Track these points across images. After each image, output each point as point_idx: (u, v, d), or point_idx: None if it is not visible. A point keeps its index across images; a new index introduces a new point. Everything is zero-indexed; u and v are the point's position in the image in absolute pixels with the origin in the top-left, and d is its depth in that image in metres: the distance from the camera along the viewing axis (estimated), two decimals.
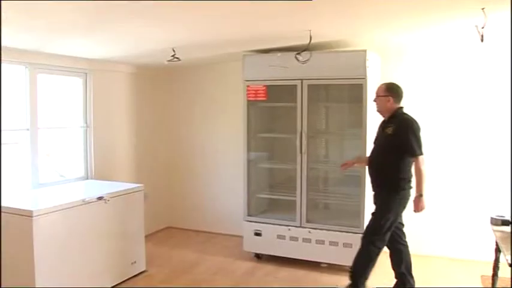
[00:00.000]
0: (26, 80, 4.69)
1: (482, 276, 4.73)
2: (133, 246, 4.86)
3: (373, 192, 4.35)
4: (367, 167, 4.44)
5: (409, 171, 4.12)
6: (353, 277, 4.27)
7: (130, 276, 4.82)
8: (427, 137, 5.29)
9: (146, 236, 5.18)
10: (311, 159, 5.17)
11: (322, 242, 5.01)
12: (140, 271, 4.95)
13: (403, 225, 4.43)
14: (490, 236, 3.81)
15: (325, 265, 5.09)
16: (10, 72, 4.62)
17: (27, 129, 4.73)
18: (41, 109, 4.85)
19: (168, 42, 4.42)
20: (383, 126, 4.27)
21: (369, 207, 4.98)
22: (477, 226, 5.13)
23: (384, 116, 4.30)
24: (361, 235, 4.35)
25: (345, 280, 4.76)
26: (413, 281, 4.39)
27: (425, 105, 5.35)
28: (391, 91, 4.20)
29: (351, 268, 4.32)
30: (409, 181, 4.14)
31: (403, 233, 4.44)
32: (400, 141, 4.07)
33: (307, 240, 5.07)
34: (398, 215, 4.20)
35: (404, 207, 4.18)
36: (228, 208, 6.32)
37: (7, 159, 4.74)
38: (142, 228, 4.99)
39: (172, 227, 6.82)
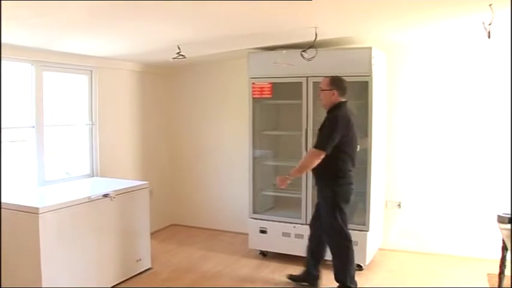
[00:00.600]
0: (32, 77, 4.70)
1: (488, 274, 4.70)
2: (139, 243, 4.86)
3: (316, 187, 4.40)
4: None
5: (344, 167, 4.17)
6: (340, 280, 4.31)
7: (135, 273, 4.83)
8: (433, 135, 5.33)
9: (151, 234, 5.18)
10: None
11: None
12: (145, 268, 4.95)
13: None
14: (497, 233, 3.79)
15: (330, 262, 5.07)
16: (16, 70, 4.63)
17: (33, 127, 4.74)
18: (46, 107, 4.86)
19: (174, 40, 4.41)
20: (324, 120, 4.28)
21: (375, 205, 4.98)
22: (483, 224, 5.12)
23: (323, 107, 4.33)
24: (365, 232, 4.34)
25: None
26: (319, 275, 4.52)
27: (431, 103, 5.35)
28: (335, 85, 4.21)
29: (335, 274, 4.35)
30: (344, 177, 4.18)
31: (317, 229, 4.47)
32: (321, 135, 4.15)
33: None
34: (342, 207, 4.21)
35: (347, 201, 4.22)
36: (233, 205, 6.32)
37: (14, 157, 4.76)
38: (148, 226, 5.00)
39: (177, 225, 6.82)
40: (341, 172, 4.17)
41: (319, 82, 4.37)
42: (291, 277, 4.66)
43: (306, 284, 4.58)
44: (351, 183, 4.26)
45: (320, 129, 4.20)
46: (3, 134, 4.61)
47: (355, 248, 4.65)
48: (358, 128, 4.41)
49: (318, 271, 4.54)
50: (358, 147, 4.48)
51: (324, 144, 4.06)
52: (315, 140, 4.27)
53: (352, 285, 4.29)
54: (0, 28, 3.26)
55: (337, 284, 4.32)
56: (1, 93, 4.24)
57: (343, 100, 4.24)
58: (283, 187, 4.26)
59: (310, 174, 5.00)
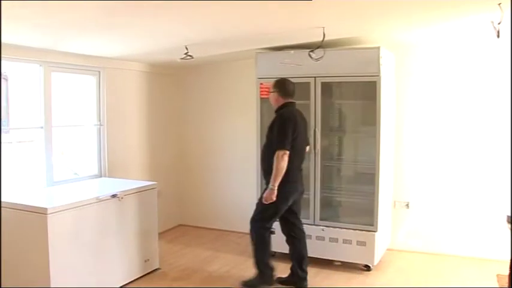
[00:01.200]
0: (40, 78, 4.72)
1: (498, 275, 4.68)
2: (147, 243, 4.87)
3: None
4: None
5: (289, 166, 4.19)
6: (257, 264, 4.49)
7: (143, 273, 4.83)
8: (441, 135, 5.31)
9: (159, 234, 5.19)
10: (324, 156, 5.16)
11: (335, 240, 4.99)
12: (153, 269, 4.96)
13: (297, 217, 4.60)
14: (506, 234, 3.77)
15: (338, 263, 5.07)
16: (25, 71, 4.65)
17: (42, 128, 4.76)
18: (55, 107, 4.87)
19: (181, 40, 4.42)
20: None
21: (383, 205, 4.97)
22: (492, 224, 5.10)
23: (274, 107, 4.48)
24: (374, 233, 4.32)
25: (359, 278, 4.78)
26: (305, 275, 4.54)
27: (439, 103, 5.33)
28: (278, 87, 4.40)
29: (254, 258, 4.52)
30: (287, 176, 4.20)
31: (296, 225, 4.59)
32: (272, 135, 4.27)
33: (320, 238, 5.06)
34: (279, 207, 4.32)
35: (286, 199, 4.31)
36: (240, 206, 6.30)
37: (22, 157, 4.78)
38: (156, 226, 5.00)
39: (184, 225, 6.83)
40: (288, 168, 4.21)
41: (329, 83, 4.38)
42: (280, 280, 4.65)
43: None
44: (295, 182, 4.38)
45: (269, 130, 4.34)
46: (12, 135, 4.64)
47: (363, 248, 4.68)
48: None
49: (303, 270, 4.56)
50: (308, 148, 4.67)
51: (282, 143, 4.16)
52: (264, 141, 4.50)
53: (267, 271, 4.49)
54: (0, 28, 3.27)
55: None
56: (1, 93, 4.22)
57: (291, 101, 4.41)
58: (272, 200, 4.19)
59: (319, 174, 5.01)
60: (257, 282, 4.49)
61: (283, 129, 4.21)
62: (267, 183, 4.30)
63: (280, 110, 4.38)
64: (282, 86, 4.41)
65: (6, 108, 5.26)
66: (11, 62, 4.44)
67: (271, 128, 4.31)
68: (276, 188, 4.16)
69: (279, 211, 4.38)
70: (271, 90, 4.45)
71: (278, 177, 4.14)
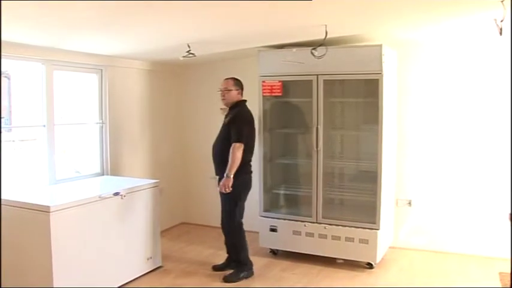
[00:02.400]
0: (42, 76, 4.72)
1: (500, 273, 4.68)
2: (149, 241, 4.87)
3: (217, 177, 4.76)
4: (212, 155, 4.86)
5: (246, 158, 4.63)
6: (243, 260, 4.82)
7: (146, 271, 4.84)
8: (444, 133, 5.30)
9: (161, 232, 5.20)
10: (326, 154, 5.14)
11: (338, 238, 4.98)
12: (156, 267, 4.96)
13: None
14: (508, 232, 3.76)
15: (341, 261, 5.07)
16: (27, 69, 4.65)
17: (44, 126, 4.76)
18: (57, 106, 4.87)
19: (183, 38, 4.42)
20: (225, 116, 4.82)
21: (386, 203, 4.96)
22: (494, 222, 5.09)
23: (226, 106, 4.85)
24: (376, 230, 4.31)
25: (361, 276, 4.78)
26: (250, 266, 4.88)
27: (442, 101, 5.32)
28: (239, 85, 4.81)
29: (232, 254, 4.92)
30: (245, 167, 4.68)
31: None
32: (233, 129, 4.59)
33: (323, 236, 5.05)
34: (242, 197, 4.75)
35: (247, 189, 4.79)
36: None
37: (24, 155, 4.78)
38: (158, 224, 5.00)
39: (187, 223, 6.84)
40: (243, 162, 4.57)
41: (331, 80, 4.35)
42: (216, 267, 5.02)
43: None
44: (251, 172, 4.86)
45: (228, 124, 4.67)
46: (14, 133, 4.64)
47: (366, 246, 4.69)
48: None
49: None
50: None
51: (240, 137, 4.54)
52: (222, 134, 4.75)
53: (248, 264, 4.84)
54: (0, 28, 3.27)
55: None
56: (0, 92, 4.22)
57: (244, 99, 4.82)
58: (229, 190, 4.52)
59: (321, 172, 5.01)
60: (239, 276, 4.76)
61: (243, 125, 4.62)
62: (221, 176, 4.61)
63: (236, 106, 4.75)
64: (241, 84, 4.81)
65: (8, 107, 5.27)
66: (14, 60, 4.44)
67: (232, 123, 4.63)
68: (232, 176, 4.48)
69: (245, 200, 4.79)
70: (232, 88, 4.76)
71: (236, 167, 4.49)
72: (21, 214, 3.91)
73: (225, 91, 4.76)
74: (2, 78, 5.43)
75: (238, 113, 4.69)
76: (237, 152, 4.49)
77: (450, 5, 3.46)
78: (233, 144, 4.50)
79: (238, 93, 4.78)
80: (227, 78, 4.82)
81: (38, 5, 2.88)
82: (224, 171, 4.52)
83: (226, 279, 4.70)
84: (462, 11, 3.74)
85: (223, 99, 4.81)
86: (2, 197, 4.07)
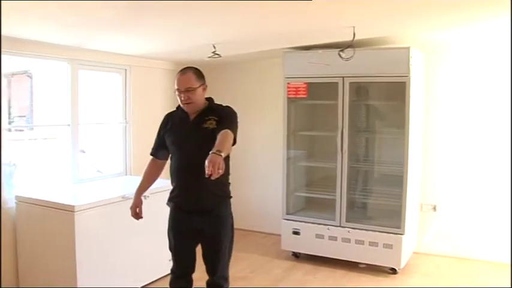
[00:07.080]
0: (67, 76, 4.74)
1: None
2: None
3: (186, 211, 3.55)
4: (178, 176, 3.56)
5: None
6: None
7: (166, 273, 4.78)
8: (471, 138, 5.21)
9: None
10: (351, 157, 5.09)
11: (361, 242, 4.92)
12: None
13: None
14: None
15: (363, 265, 5.01)
16: (49, 68, 4.67)
17: (68, 125, 4.77)
18: (81, 105, 4.89)
19: (209, 39, 4.40)
20: (196, 122, 3.32)
21: (410, 207, 4.89)
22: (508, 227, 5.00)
23: (194, 111, 3.33)
24: (401, 235, 4.23)
25: (385, 281, 4.72)
26: None
27: (470, 104, 5.22)
28: (203, 76, 3.31)
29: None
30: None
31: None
32: (228, 123, 3.19)
33: (346, 240, 4.99)
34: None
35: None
36: (264, 206, 6.28)
37: (47, 154, 4.80)
38: None
39: None
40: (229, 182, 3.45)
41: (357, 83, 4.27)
42: None
43: None
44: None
45: (219, 121, 3.21)
46: (36, 132, 4.66)
47: (390, 251, 4.63)
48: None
49: None
50: None
51: (235, 133, 3.19)
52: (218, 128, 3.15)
53: None
54: (0, 27, 3.28)
55: None
56: (1, 91, 4.21)
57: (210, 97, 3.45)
58: (222, 171, 2.67)
59: (346, 175, 4.95)
60: None
61: (236, 122, 3.31)
62: (209, 217, 3.45)
63: (212, 102, 3.39)
64: (203, 74, 3.34)
65: (30, 106, 5.30)
66: (39, 59, 4.46)
67: (223, 119, 3.22)
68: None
69: None
70: (196, 84, 3.25)
71: (228, 148, 2.94)
72: (45, 213, 3.93)
73: (188, 93, 3.23)
74: (24, 77, 5.49)
75: (225, 108, 3.36)
76: (230, 138, 3.03)
77: (482, 7, 3.40)
78: (228, 131, 3.05)
79: (204, 89, 3.31)
80: (183, 72, 3.28)
81: (65, 5, 2.89)
82: (211, 199, 3.38)
83: None
84: (492, 13, 3.66)
85: (188, 104, 3.28)
86: (27, 195, 4.10)
